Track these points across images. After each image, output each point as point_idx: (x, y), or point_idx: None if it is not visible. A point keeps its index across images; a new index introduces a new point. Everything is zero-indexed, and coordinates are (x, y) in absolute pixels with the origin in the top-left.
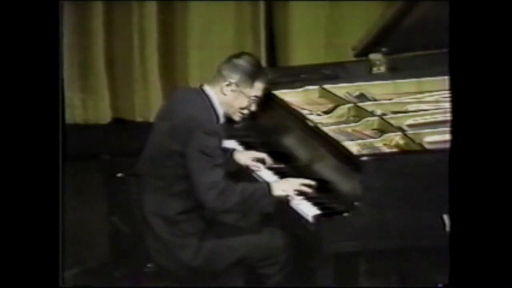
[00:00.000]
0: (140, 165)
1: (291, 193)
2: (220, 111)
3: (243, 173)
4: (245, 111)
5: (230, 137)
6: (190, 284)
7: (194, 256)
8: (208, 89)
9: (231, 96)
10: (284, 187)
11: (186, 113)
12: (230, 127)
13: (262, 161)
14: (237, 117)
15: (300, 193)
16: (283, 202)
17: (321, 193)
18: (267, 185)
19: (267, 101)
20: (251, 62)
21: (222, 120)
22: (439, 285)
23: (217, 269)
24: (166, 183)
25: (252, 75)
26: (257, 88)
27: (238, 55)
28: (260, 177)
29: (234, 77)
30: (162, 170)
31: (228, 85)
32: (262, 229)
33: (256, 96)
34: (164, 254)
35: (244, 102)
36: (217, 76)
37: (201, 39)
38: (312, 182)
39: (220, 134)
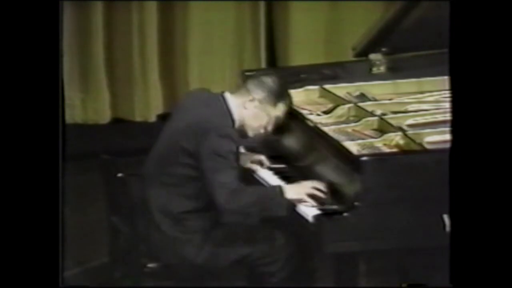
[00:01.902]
0: (150, 160)
1: (304, 196)
2: (237, 118)
3: (246, 174)
4: (262, 130)
5: None
6: (192, 283)
7: (197, 253)
8: (229, 97)
9: (251, 112)
10: (297, 190)
11: (203, 114)
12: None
13: (260, 162)
14: (251, 133)
15: (312, 196)
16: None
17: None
18: (280, 188)
19: None
20: (278, 83)
21: (236, 125)
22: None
23: (220, 266)
24: (175, 181)
25: (277, 95)
26: (279, 109)
27: (267, 73)
28: (261, 178)
29: (260, 94)
30: (172, 167)
31: (251, 100)
32: (263, 227)
33: (276, 117)
34: (167, 250)
35: (263, 120)
36: (241, 89)
37: (201, 39)
38: (324, 187)
39: (235, 139)
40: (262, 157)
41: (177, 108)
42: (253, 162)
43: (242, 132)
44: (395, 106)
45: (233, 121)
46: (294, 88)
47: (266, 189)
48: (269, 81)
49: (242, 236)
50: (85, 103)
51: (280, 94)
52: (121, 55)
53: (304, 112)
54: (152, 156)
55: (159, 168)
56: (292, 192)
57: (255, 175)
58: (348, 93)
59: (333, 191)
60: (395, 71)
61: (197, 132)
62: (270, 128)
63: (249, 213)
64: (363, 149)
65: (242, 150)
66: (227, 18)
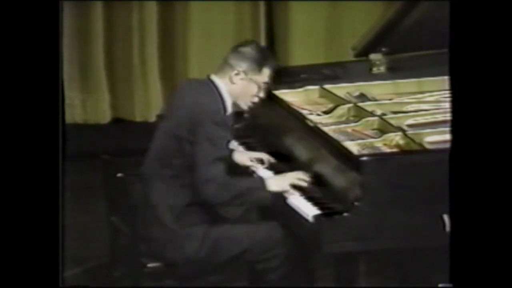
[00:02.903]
0: (149, 157)
1: (287, 188)
2: (229, 101)
3: (242, 170)
4: (255, 99)
5: None
6: (191, 282)
7: (199, 247)
8: (215, 79)
9: (240, 85)
10: (280, 182)
11: (196, 102)
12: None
13: (261, 161)
14: (246, 105)
15: (297, 187)
16: (283, 202)
17: (321, 193)
18: (263, 181)
19: (267, 101)
20: (257, 49)
21: (230, 110)
22: (440, 285)
23: (221, 261)
24: (174, 173)
25: (260, 62)
26: (266, 74)
27: (244, 44)
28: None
29: (242, 65)
30: (172, 159)
31: (236, 74)
32: (264, 222)
33: (265, 83)
34: (169, 245)
35: (254, 89)
36: (224, 66)
37: (201, 39)
38: (307, 176)
39: (229, 125)
40: (263, 155)
41: (170, 100)
42: (253, 160)
43: (236, 108)
44: (395, 106)
45: (224, 105)
46: (294, 88)
47: (250, 182)
48: (249, 50)
49: (243, 229)
50: (85, 103)
51: (263, 60)
52: (121, 55)
53: (304, 112)
54: (151, 153)
55: (159, 162)
56: (275, 185)
57: (254, 174)
58: (348, 93)
59: (333, 191)
60: (395, 71)
61: (191, 121)
62: (262, 95)
63: (233, 205)
64: (363, 149)
65: (242, 149)
66: (227, 18)
